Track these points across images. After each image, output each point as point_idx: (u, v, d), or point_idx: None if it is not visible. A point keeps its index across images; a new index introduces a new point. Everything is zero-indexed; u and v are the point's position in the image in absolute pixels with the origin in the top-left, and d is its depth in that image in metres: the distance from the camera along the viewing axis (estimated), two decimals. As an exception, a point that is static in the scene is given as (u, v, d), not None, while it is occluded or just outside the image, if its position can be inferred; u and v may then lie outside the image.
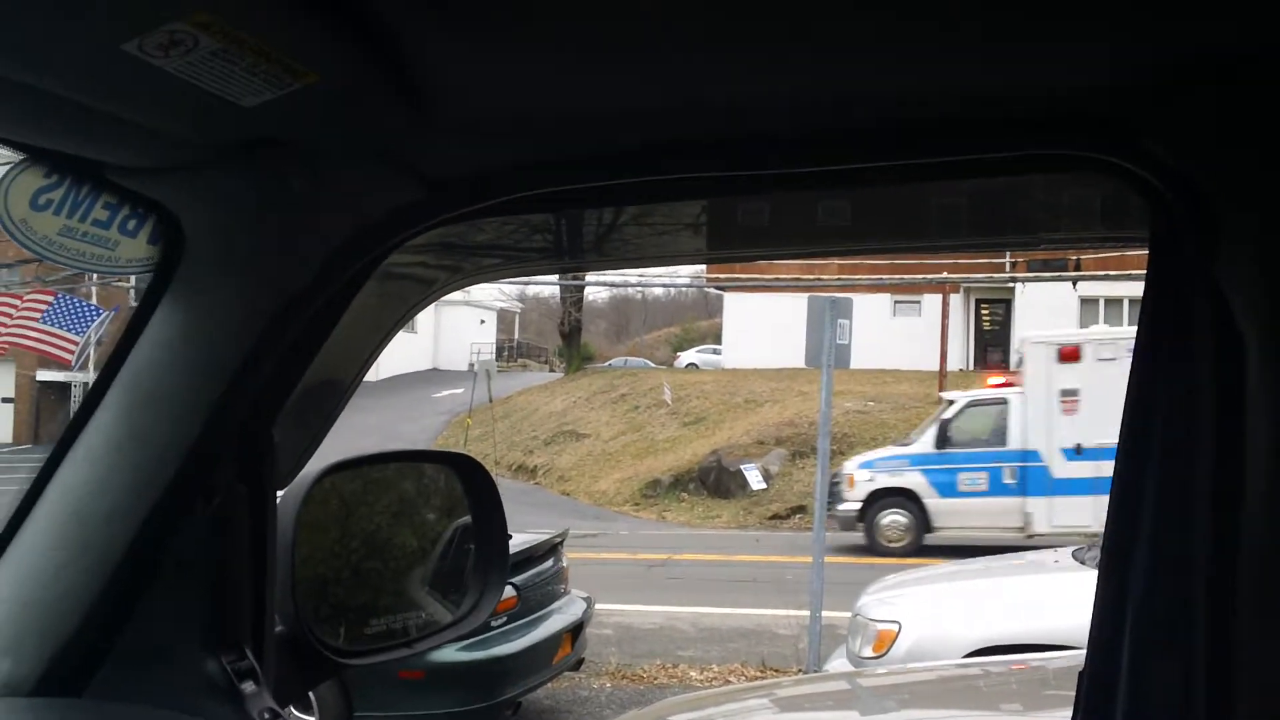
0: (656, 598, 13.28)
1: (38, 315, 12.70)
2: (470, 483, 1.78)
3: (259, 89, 0.98)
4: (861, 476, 16.69)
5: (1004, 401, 16.42)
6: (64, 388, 37.32)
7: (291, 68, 0.96)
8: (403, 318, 1.52)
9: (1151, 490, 1.11)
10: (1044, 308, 29.53)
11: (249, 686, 1.34)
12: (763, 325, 32.83)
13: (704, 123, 1.19)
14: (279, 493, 1.45)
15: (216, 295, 1.28)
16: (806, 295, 9.98)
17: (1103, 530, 1.17)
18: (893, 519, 16.30)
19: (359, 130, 1.15)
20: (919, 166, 1.19)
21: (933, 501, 16.25)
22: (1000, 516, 15.73)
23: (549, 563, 8.32)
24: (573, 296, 38.18)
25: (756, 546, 17.16)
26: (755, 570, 15.62)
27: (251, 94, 0.99)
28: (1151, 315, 1.13)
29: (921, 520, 16.32)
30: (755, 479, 20.29)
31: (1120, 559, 1.13)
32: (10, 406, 38.83)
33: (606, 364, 43.28)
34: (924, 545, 16.03)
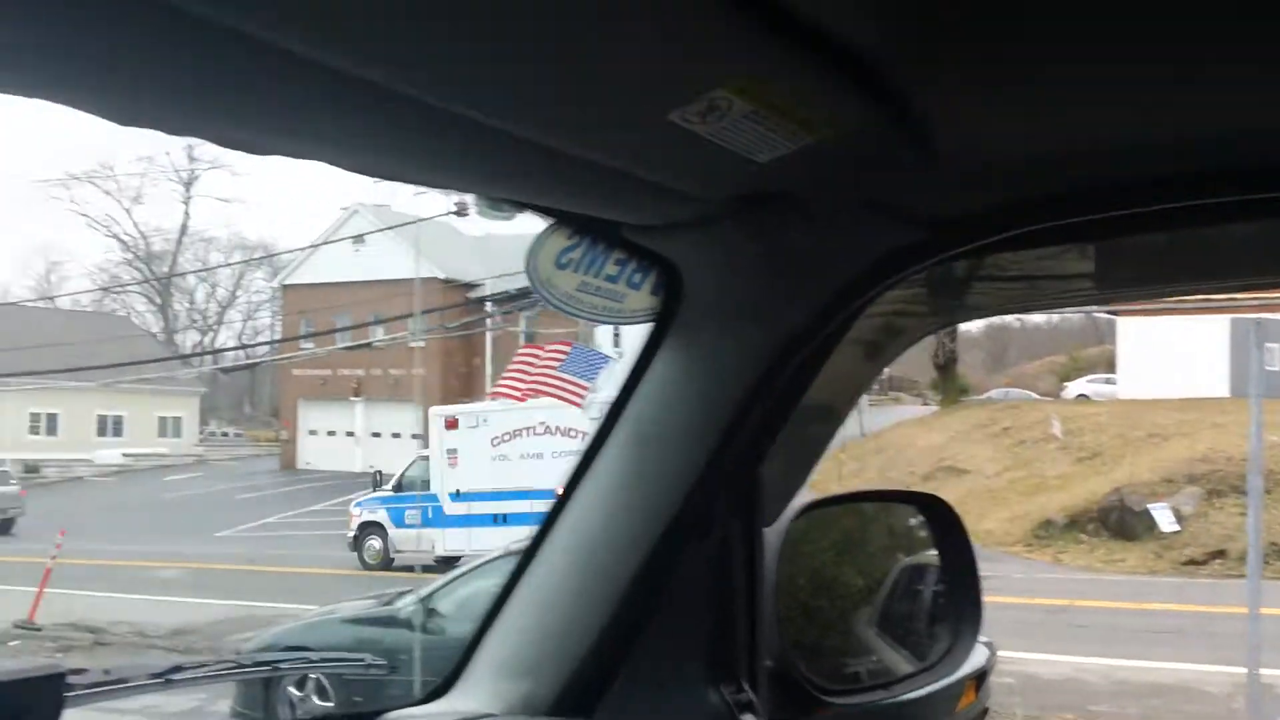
0: (1060, 646, 12.46)
1: (557, 364, 14.03)
2: (937, 523, 1.74)
3: (775, 144, 1.02)
4: (355, 512, 23.39)
5: None
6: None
7: (808, 123, 1.00)
8: (893, 355, 1.52)
9: None
10: None
11: (748, 719, 1.37)
12: (1165, 351, 30.17)
13: (1199, 154, 1.13)
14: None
15: (713, 341, 1.33)
16: (1225, 318, 9.08)
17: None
18: (370, 544, 22.79)
19: (863, 177, 1.17)
20: None
21: (393, 531, 22.52)
22: (425, 542, 21.19)
23: (947, 604, 8.02)
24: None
25: (1177, 594, 15.71)
26: (1178, 620, 14.28)
27: (767, 150, 1.03)
28: None
29: (386, 545, 22.60)
30: (1166, 520, 18.72)
31: None
32: (420, 442, 43.13)
33: (985, 396, 41.49)
34: (392, 563, 22.16)
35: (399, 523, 22.13)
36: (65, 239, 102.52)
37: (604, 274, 1.16)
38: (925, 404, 44.20)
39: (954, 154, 1.14)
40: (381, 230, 36.07)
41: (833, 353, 1.35)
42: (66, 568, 16.82)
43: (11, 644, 15.00)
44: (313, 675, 8.43)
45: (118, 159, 75.33)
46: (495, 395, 17.31)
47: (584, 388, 13.52)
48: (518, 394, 14.99)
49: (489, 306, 30.08)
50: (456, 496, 21.17)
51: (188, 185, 64.47)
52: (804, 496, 1.66)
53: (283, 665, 1.90)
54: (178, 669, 1.58)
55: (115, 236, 65.24)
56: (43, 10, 0.68)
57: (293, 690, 8.66)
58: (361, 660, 1.89)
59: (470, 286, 38.22)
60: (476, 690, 1.46)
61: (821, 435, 1.53)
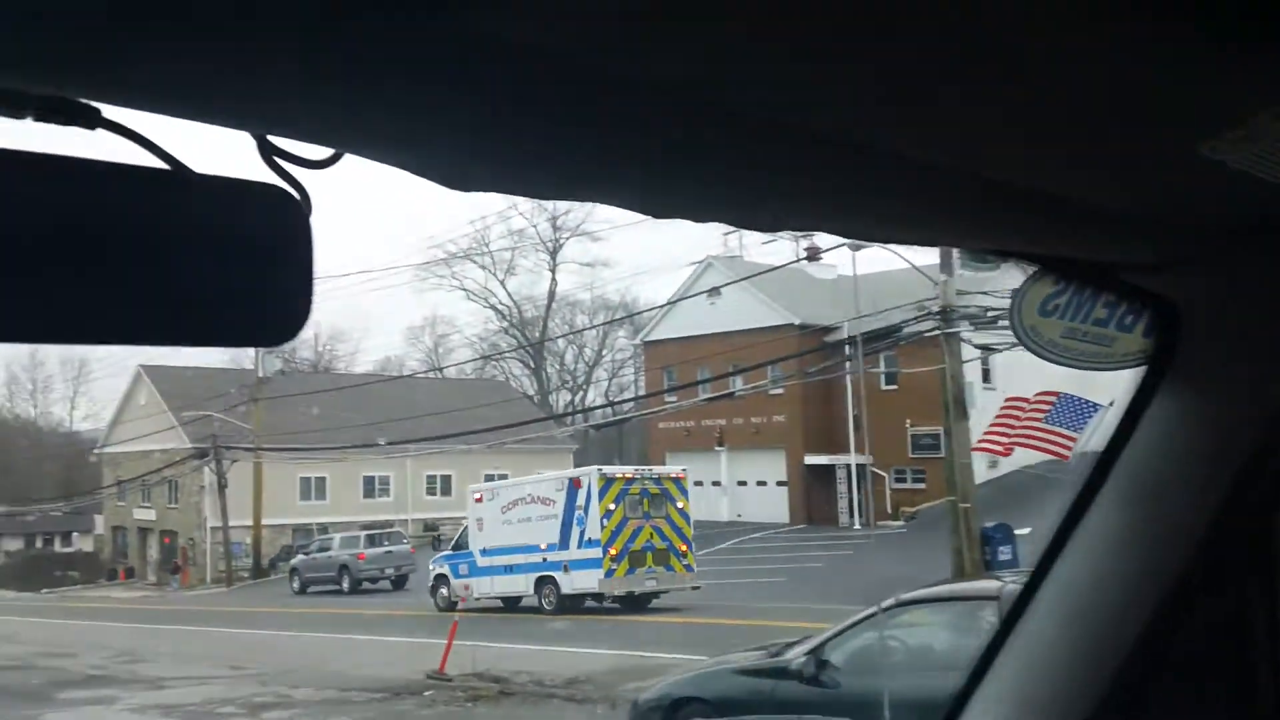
0: None
1: (1043, 414, 13.72)
2: None
3: None
4: (432, 567, 30.32)
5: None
6: (828, 470, 40.66)
7: None
8: None
9: None
10: None
11: None
12: None
13: None
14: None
15: (1221, 383, 1.24)
16: None
17: None
18: (440, 591, 29.38)
19: None
20: None
21: (453, 581, 28.97)
22: (467, 590, 28.22)
23: None
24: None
25: None
26: None
27: None
28: None
29: (449, 592, 28.92)
30: None
31: None
32: (785, 489, 43.27)
33: None
34: (455, 605, 27.33)
35: (455, 574, 28.88)
36: (449, 312, 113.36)
37: (1092, 318, 1.12)
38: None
39: None
40: (736, 281, 36.99)
41: None
42: (464, 620, 18.11)
43: (426, 694, 16.21)
44: None
45: (491, 235, 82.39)
46: (979, 449, 17.62)
47: (1071, 439, 12.88)
48: (1001, 448, 14.53)
49: (847, 350, 29.93)
50: (484, 552, 27.89)
51: (553, 254, 69.23)
52: None
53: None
54: None
55: (492, 307, 71.17)
56: (646, 136, 0.75)
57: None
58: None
59: (826, 330, 38.26)
60: None
61: None
